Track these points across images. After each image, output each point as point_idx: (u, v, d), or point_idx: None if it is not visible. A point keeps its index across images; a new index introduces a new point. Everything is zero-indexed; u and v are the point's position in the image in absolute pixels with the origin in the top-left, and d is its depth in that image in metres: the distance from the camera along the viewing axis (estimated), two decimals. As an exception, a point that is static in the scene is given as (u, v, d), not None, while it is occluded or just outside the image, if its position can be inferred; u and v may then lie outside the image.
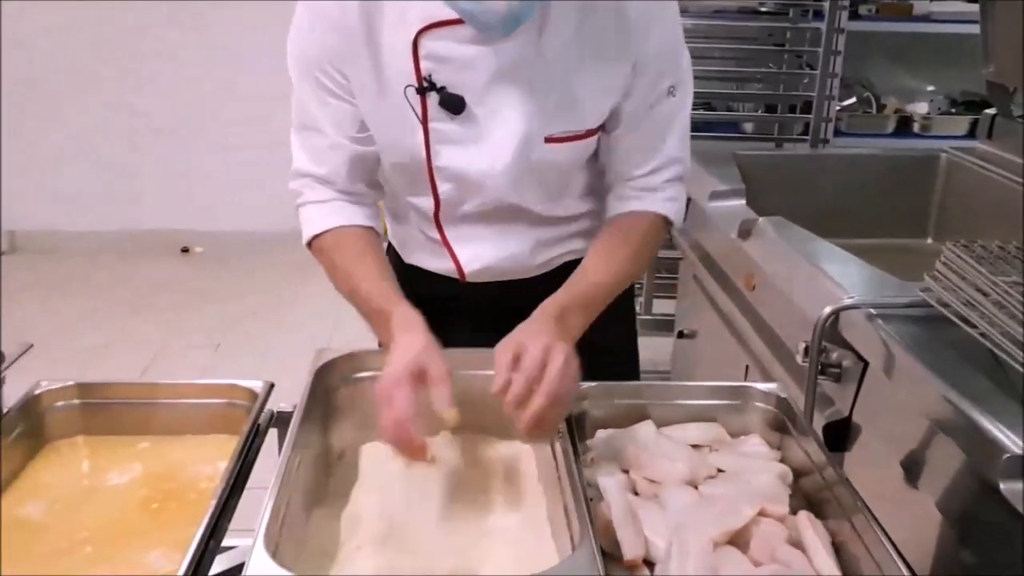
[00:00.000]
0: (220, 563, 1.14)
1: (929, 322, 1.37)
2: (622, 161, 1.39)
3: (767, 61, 3.33)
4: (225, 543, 1.13)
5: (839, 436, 1.53)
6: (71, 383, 1.35)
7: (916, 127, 3.51)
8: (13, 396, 1.33)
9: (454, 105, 1.25)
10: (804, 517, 1.13)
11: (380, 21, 1.24)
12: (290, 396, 1.37)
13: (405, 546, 1.10)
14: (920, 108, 3.65)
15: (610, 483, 1.16)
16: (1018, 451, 1.07)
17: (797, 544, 1.11)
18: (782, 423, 1.30)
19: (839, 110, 3.28)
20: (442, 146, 1.30)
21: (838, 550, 1.09)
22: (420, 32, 1.21)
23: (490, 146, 1.29)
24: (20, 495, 1.22)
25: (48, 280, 4.56)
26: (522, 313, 1.23)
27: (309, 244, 1.43)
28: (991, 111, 2.40)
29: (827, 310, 1.47)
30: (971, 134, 3.09)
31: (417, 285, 1.46)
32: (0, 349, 1.34)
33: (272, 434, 1.36)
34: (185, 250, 4.97)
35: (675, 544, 1.04)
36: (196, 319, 4.18)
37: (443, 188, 1.36)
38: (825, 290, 1.55)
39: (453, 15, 1.19)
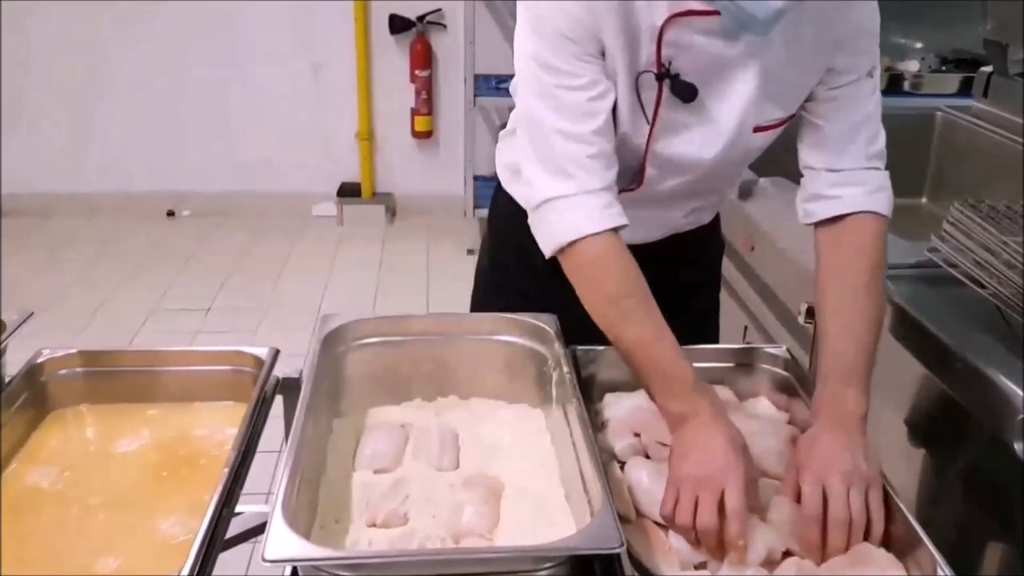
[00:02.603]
0: (232, 528, 1.14)
1: (936, 282, 1.37)
2: (822, 144, 1.32)
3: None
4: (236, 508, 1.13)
5: (843, 396, 1.54)
6: (73, 351, 1.34)
7: (907, 85, 3.50)
8: (10, 362, 1.32)
9: (687, 93, 1.22)
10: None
11: (633, 3, 1.19)
12: (286, 360, 1.37)
13: (419, 512, 1.10)
14: (911, 66, 3.64)
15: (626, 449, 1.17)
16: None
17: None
18: (790, 385, 1.31)
19: (831, 69, 3.26)
20: (663, 132, 1.28)
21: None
22: (670, 19, 1.18)
23: (708, 134, 1.28)
24: (27, 464, 1.22)
25: (34, 244, 4.51)
26: None
27: (571, 243, 1.22)
28: (987, 69, 2.39)
29: (834, 271, 1.46)
30: (962, 92, 3.08)
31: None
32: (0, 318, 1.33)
33: (277, 399, 1.36)
34: (171, 213, 4.92)
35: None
36: (184, 283, 4.15)
37: (649, 171, 1.33)
38: (829, 251, 1.55)
39: (703, 6, 1.16)
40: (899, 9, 3.68)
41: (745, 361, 1.34)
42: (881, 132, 1.34)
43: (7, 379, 1.29)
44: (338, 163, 4.88)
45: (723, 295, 2.15)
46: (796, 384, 1.29)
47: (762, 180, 1.92)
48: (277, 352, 1.35)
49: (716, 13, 1.15)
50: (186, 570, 0.93)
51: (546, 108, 1.22)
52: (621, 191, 1.33)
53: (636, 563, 1.00)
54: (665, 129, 1.27)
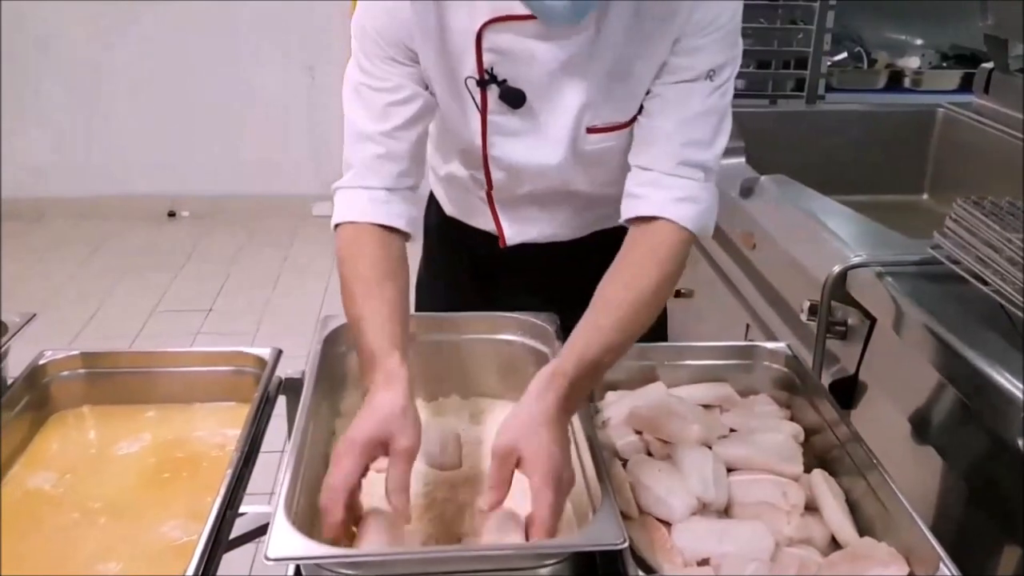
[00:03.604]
0: (235, 529, 1.14)
1: (938, 279, 1.36)
2: (640, 140, 1.26)
3: (758, 16, 3.29)
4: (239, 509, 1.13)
5: (845, 394, 1.54)
6: (75, 352, 1.34)
7: (907, 82, 3.49)
8: (11, 365, 1.32)
9: (514, 99, 1.23)
10: (818, 475, 1.14)
11: (447, 8, 1.19)
12: (286, 361, 1.37)
13: (421, 512, 1.09)
14: (911, 63, 3.63)
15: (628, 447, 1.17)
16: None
17: (812, 502, 1.12)
18: (791, 382, 1.31)
19: (830, 65, 3.26)
20: (498, 137, 1.29)
21: (852, 507, 1.10)
22: (485, 25, 1.18)
23: (545, 139, 1.28)
24: (29, 466, 1.22)
25: (34, 247, 4.51)
26: (553, 270, 1.27)
27: (336, 226, 1.28)
28: (988, 65, 2.39)
29: (836, 268, 1.46)
30: (962, 88, 3.08)
31: (456, 236, 1.56)
32: (1, 319, 1.33)
33: (280, 400, 1.35)
34: (171, 214, 4.92)
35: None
36: (185, 284, 4.15)
37: (496, 175, 1.35)
38: (830, 248, 1.55)
39: (519, 10, 1.15)
40: (899, 6, 3.69)
41: (746, 358, 1.34)
42: (716, 143, 1.24)
43: (9, 381, 1.29)
44: (337, 163, 4.84)
45: (725, 293, 2.15)
46: (797, 381, 1.29)
47: (763, 178, 1.92)
48: (279, 352, 1.35)
49: (532, 17, 1.15)
50: (191, 571, 0.92)
51: (350, 101, 1.27)
52: (487, 192, 1.39)
53: (638, 560, 0.99)
54: (500, 134, 1.28)
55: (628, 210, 1.24)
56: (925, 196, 2.50)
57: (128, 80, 4.70)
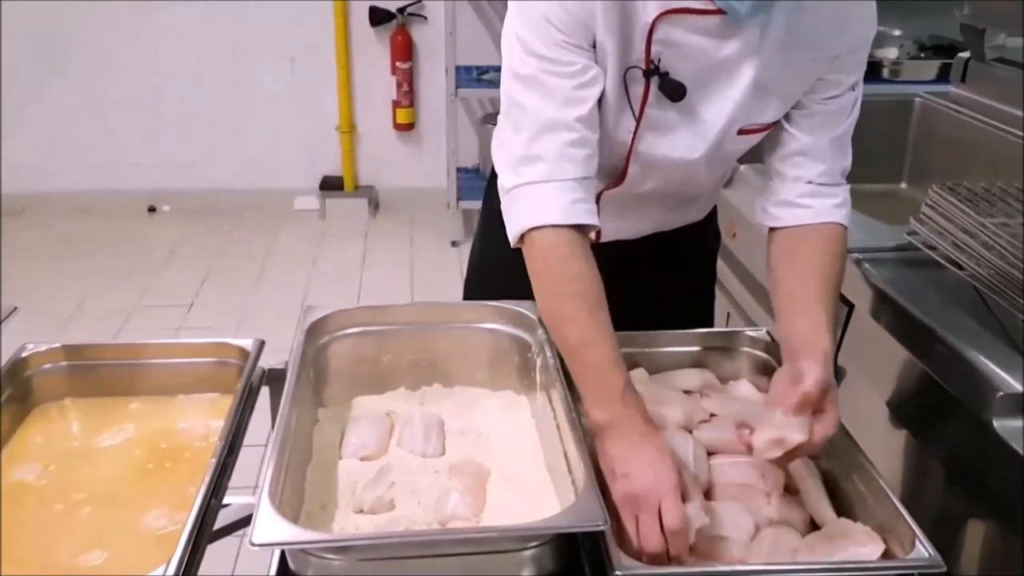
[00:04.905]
0: (219, 521, 1.14)
1: (915, 265, 1.38)
2: (800, 154, 1.30)
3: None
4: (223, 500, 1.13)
5: (824, 379, 1.55)
6: (57, 345, 1.33)
7: (886, 72, 3.52)
8: (-6, 360, 1.32)
9: (675, 92, 1.21)
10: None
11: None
12: (270, 355, 1.37)
13: (405, 499, 1.10)
14: (889, 53, 3.66)
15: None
16: (1015, 389, 1.09)
17: (791, 484, 1.13)
18: (771, 367, 1.32)
19: (810, 56, 3.28)
20: (649, 131, 1.27)
21: (831, 489, 1.12)
22: (660, 16, 1.17)
23: (694, 135, 1.27)
24: (12, 459, 1.21)
25: (15, 243, 4.47)
26: (611, 266, 1.22)
27: (523, 236, 1.20)
28: (964, 55, 2.41)
29: (814, 255, 1.47)
30: (941, 78, 3.10)
31: None
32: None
33: (263, 391, 1.36)
34: (152, 209, 4.90)
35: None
36: (166, 279, 4.13)
37: (632, 170, 1.33)
38: (809, 235, 1.56)
39: (695, 4, 1.15)
40: (877, -4, 3.72)
41: (726, 344, 1.36)
42: (850, 147, 1.32)
43: (-9, 374, 1.29)
44: (320, 156, 4.86)
45: (706, 282, 2.16)
46: (777, 366, 1.30)
47: (743, 167, 1.93)
48: (262, 343, 1.35)
49: (716, 12, 1.15)
50: (175, 560, 0.93)
51: (527, 91, 1.19)
52: (604, 189, 1.35)
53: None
54: (651, 128, 1.26)
55: (791, 218, 1.29)
56: (903, 185, 2.52)
57: (106, 77, 4.67)
